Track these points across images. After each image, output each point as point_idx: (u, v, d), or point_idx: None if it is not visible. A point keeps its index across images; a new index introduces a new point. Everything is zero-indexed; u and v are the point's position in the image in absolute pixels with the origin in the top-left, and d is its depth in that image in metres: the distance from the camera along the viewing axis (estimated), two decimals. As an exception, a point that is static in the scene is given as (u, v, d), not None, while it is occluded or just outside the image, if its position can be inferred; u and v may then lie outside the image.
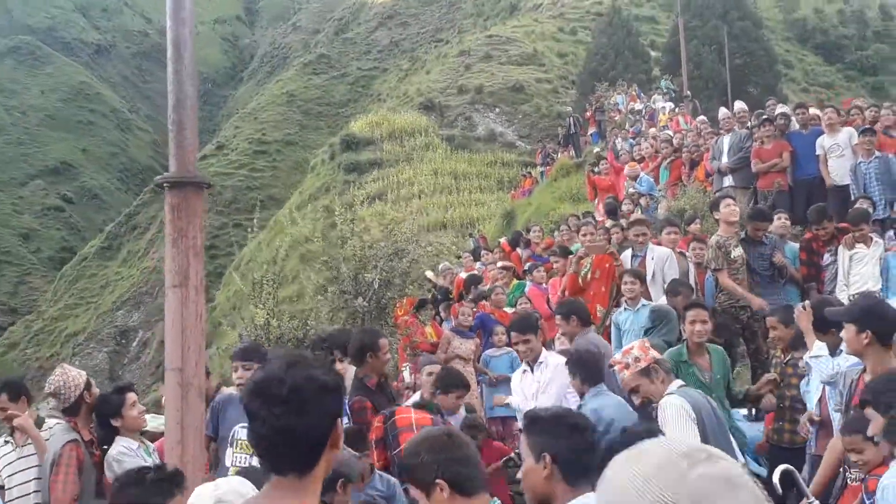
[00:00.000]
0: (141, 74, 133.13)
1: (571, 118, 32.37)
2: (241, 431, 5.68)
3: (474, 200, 38.56)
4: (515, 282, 13.12)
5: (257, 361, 5.82)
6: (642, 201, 14.59)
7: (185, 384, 4.47)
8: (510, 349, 10.58)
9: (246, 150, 74.99)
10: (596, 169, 18.90)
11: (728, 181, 12.67)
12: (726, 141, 12.88)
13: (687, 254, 9.90)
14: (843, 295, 8.74)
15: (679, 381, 5.29)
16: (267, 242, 40.39)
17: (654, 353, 5.32)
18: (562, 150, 33.10)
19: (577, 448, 3.36)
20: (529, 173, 35.62)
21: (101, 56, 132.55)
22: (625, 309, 8.67)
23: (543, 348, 7.50)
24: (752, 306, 8.67)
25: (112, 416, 6.02)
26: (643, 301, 8.60)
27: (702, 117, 17.79)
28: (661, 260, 9.53)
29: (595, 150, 27.87)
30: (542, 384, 7.15)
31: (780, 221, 9.98)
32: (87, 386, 6.38)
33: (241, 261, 43.84)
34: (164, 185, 4.57)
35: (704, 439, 4.79)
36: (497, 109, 53.97)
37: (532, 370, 7.28)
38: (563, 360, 6.50)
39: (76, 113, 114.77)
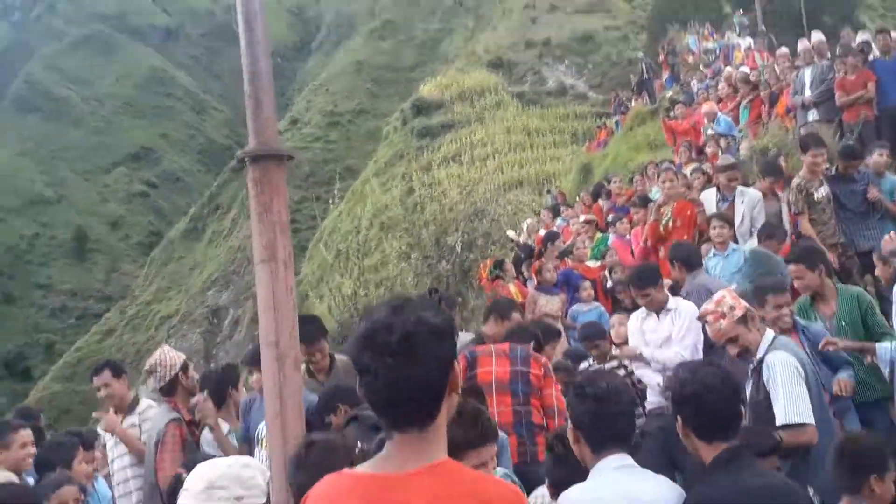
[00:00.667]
0: (210, 55, 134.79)
1: (644, 64, 31.66)
2: (264, 429, 5.71)
3: (549, 156, 38.24)
4: (599, 235, 12.98)
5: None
6: (722, 142, 14.24)
7: (281, 357, 4.51)
8: (598, 304, 10.50)
9: (319, 123, 75.53)
10: (672, 113, 18.52)
11: (812, 115, 12.29)
12: (808, 74, 12.47)
13: (781, 194, 9.58)
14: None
15: (772, 333, 5.09)
16: (347, 213, 40.70)
17: (745, 302, 5.14)
18: (636, 98, 32.50)
19: (597, 416, 3.37)
20: (604, 124, 35.13)
21: (170, 39, 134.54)
22: (714, 254, 8.48)
23: (670, 295, 7.20)
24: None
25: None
26: (732, 245, 8.40)
27: (783, 49, 17.19)
28: (751, 203, 9.24)
29: (669, 95, 27.28)
30: (676, 332, 6.86)
31: (878, 157, 9.50)
32: (185, 368, 6.57)
33: (323, 233, 44.34)
34: (245, 159, 4.58)
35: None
36: (566, 61, 53.28)
37: (658, 316, 7.00)
38: (695, 307, 6.27)
39: (151, 98, 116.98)
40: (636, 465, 3.37)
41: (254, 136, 4.68)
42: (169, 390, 6.45)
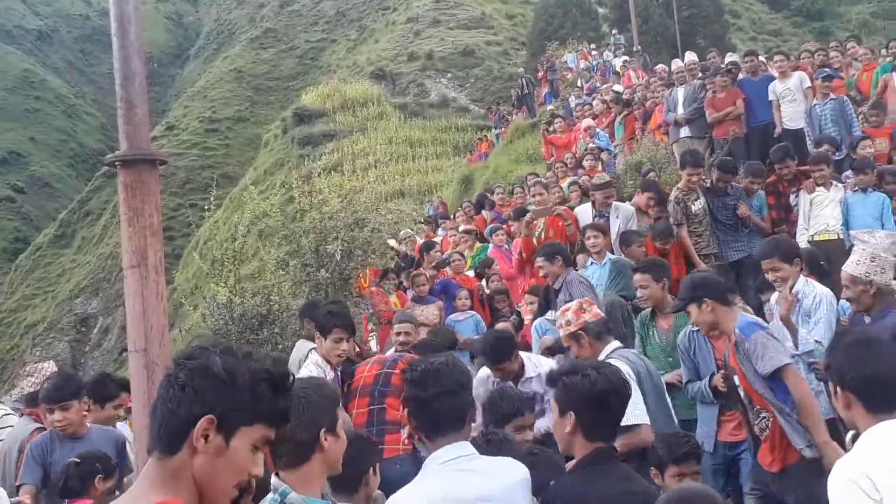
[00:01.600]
0: (85, 58, 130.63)
1: (524, 79, 32.26)
2: None
3: (431, 167, 38.53)
4: (479, 245, 13.12)
5: (71, 399, 5.69)
6: (604, 156, 14.62)
7: (151, 365, 4.40)
8: (474, 312, 10.61)
9: (197, 129, 74.01)
10: (552, 128, 18.89)
11: (684, 132, 12.72)
12: (681, 93, 12.90)
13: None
14: (804, 238, 8.85)
15: (616, 343, 5.32)
16: (224, 221, 40.00)
17: (587, 317, 5.33)
18: (516, 112, 33.06)
19: (601, 411, 3.44)
20: (485, 136, 35.59)
21: (43, 42, 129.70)
22: (591, 263, 8.70)
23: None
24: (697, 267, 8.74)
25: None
26: (609, 255, 8.62)
27: (661, 66, 17.84)
28: (626, 217, 9.55)
29: (549, 109, 27.84)
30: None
31: (748, 183, 9.94)
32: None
33: (199, 241, 43.44)
34: (116, 163, 4.45)
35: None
36: (449, 75, 53.79)
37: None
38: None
39: (22, 101, 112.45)
40: (474, 452, 3.28)
41: (125, 140, 4.56)
42: (32, 401, 6.33)
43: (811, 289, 6.19)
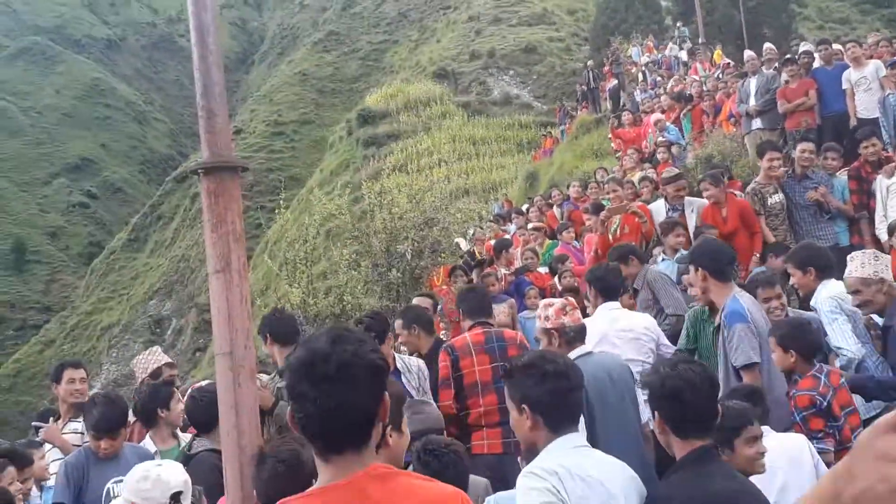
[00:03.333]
0: (153, 66, 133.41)
1: (590, 72, 31.97)
2: (115, 488, 5.46)
3: (495, 164, 38.50)
4: (549, 242, 13.08)
5: (119, 428, 5.68)
6: (673, 149, 14.47)
7: (236, 367, 4.46)
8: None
9: (263, 133, 75.06)
10: (619, 122, 18.76)
11: (756, 124, 12.52)
12: (753, 83, 12.70)
13: (737, 194, 9.76)
14: (883, 226, 8.58)
15: (584, 348, 5.22)
16: (292, 222, 40.52)
17: (566, 320, 5.27)
18: (581, 107, 32.85)
19: (555, 394, 3.36)
20: (549, 133, 35.44)
21: (111, 50, 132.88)
22: (663, 259, 8.62)
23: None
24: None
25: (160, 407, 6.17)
26: (682, 252, 8.53)
27: (726, 61, 17.61)
28: (700, 211, 9.39)
29: (615, 104, 27.59)
30: None
31: (830, 161, 9.64)
32: (155, 374, 6.63)
33: (268, 242, 44.06)
34: (199, 171, 4.54)
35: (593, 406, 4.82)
36: (511, 72, 53.69)
37: None
38: None
39: (92, 109, 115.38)
40: (588, 444, 3.42)
41: (207, 148, 4.63)
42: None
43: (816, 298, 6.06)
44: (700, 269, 5.42)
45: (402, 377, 6.20)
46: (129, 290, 65.68)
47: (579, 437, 3.41)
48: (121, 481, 5.46)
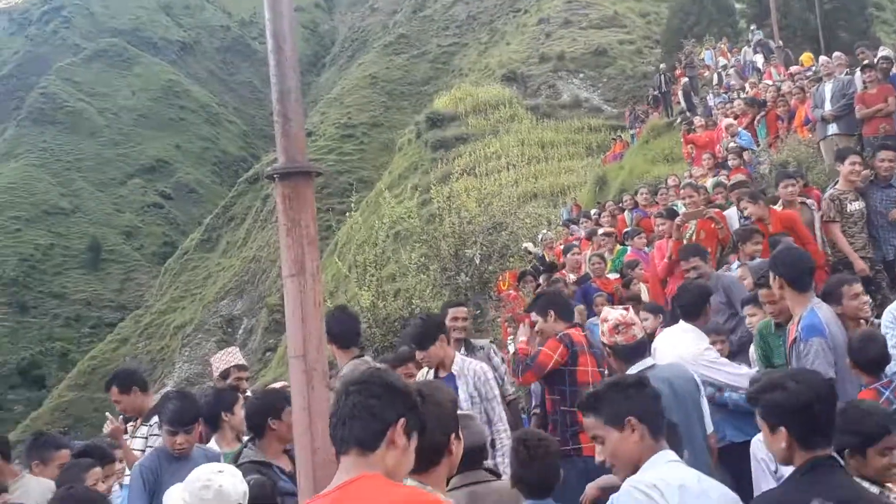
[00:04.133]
0: (226, 68, 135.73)
1: (662, 75, 31.57)
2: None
3: (564, 168, 38.30)
4: (619, 247, 12.98)
5: (194, 422, 5.66)
6: (745, 155, 14.24)
7: (309, 370, 4.53)
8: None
9: (333, 135, 75.77)
10: (691, 126, 18.54)
11: (832, 129, 12.25)
12: (828, 88, 12.44)
13: (808, 202, 9.55)
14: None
15: (646, 362, 5.15)
16: (361, 224, 40.87)
17: (619, 339, 5.18)
18: (652, 111, 32.51)
19: (657, 405, 3.43)
20: (619, 136, 35.14)
21: (186, 53, 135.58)
22: (737, 265, 8.49)
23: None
24: (855, 268, 8.26)
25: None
26: (758, 259, 8.38)
27: (795, 67, 17.23)
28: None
29: (684, 109, 27.26)
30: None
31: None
32: (224, 375, 6.73)
33: (337, 244, 44.45)
34: (274, 176, 4.62)
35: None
36: (581, 75, 53.35)
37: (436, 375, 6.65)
38: (479, 369, 6.38)
39: (167, 110, 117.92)
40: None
41: (283, 153, 4.71)
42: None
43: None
44: (778, 276, 5.30)
45: (456, 381, 6.16)
46: (202, 289, 66.86)
47: (671, 452, 3.40)
48: None
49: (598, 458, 3.44)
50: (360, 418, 2.61)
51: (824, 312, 5.38)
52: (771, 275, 5.46)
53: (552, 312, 6.54)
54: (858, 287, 5.93)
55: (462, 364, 6.24)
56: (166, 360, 59.84)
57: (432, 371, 6.29)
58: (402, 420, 2.63)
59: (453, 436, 3.16)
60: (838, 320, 5.51)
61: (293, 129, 4.72)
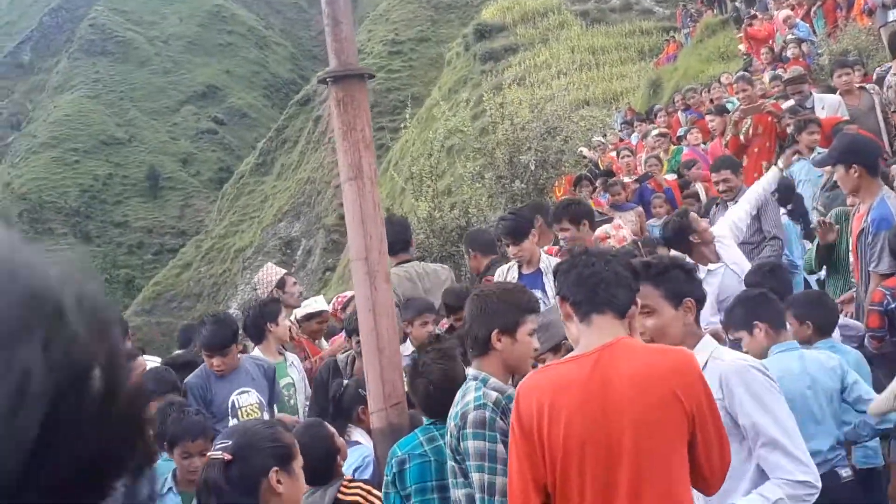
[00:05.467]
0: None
1: (715, -28, 30.61)
2: (239, 399, 5.74)
3: (616, 74, 37.60)
4: (673, 147, 12.83)
5: (230, 345, 5.79)
6: (803, 47, 13.86)
7: (372, 272, 4.61)
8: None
9: (381, 53, 75.14)
10: (749, 21, 18.05)
11: (892, 15, 11.85)
12: (888, -28, 11.99)
13: (868, 87, 9.33)
14: None
15: None
16: (413, 140, 40.71)
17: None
18: (706, 9, 31.64)
19: (703, 292, 3.60)
20: (672, 38, 34.33)
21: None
22: (798, 159, 8.35)
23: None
24: None
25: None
26: (818, 149, 8.24)
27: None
28: (831, 109, 9.04)
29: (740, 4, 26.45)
30: None
31: None
32: (281, 284, 6.80)
33: (391, 162, 44.45)
34: (328, 80, 4.63)
35: None
36: (630, -23, 51.95)
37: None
38: None
39: (215, 36, 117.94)
40: None
41: (334, 57, 4.71)
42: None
43: None
44: (855, 164, 5.23)
45: (543, 278, 6.18)
46: (259, 212, 67.53)
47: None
48: (244, 392, 5.72)
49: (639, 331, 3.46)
50: (621, 285, 2.87)
51: (894, 202, 5.32)
52: (842, 166, 5.38)
53: (586, 223, 6.70)
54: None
55: (548, 262, 6.23)
56: (228, 282, 60.85)
57: (516, 266, 6.31)
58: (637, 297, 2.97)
59: (497, 332, 3.45)
60: None
61: (343, 32, 4.72)
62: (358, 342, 5.35)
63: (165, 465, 4.62)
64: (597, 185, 12.21)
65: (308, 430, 3.98)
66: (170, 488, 4.51)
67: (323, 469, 3.81)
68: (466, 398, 3.41)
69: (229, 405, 5.67)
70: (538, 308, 3.61)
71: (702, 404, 2.73)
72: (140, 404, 0.76)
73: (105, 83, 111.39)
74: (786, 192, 7.47)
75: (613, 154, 15.12)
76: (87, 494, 0.70)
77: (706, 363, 3.24)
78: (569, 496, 2.76)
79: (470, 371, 3.52)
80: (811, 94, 9.52)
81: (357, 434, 5.05)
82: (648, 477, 2.69)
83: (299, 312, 7.16)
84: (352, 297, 6.20)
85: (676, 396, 2.69)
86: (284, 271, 7.30)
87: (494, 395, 3.36)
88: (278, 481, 2.81)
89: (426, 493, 3.80)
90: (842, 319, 5.23)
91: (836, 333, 4.94)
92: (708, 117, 11.35)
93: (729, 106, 11.08)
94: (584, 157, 13.70)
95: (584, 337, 2.88)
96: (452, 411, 3.51)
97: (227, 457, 2.76)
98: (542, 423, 2.76)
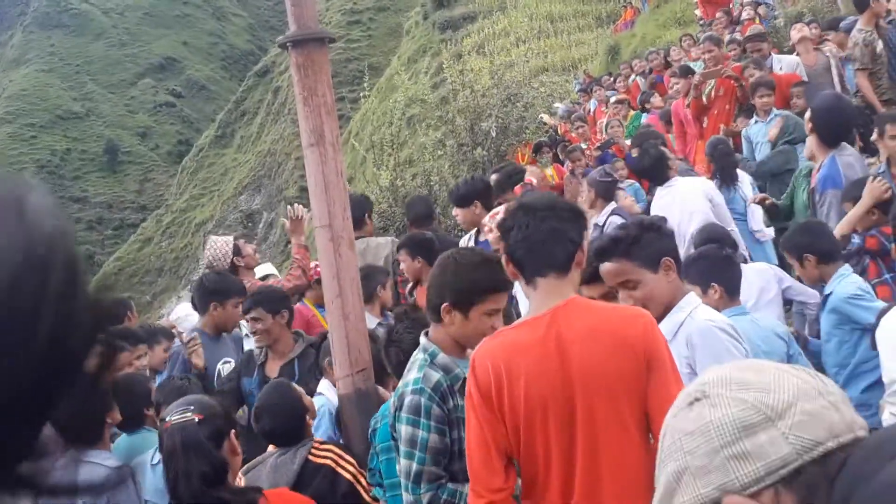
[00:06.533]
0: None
1: (670, -62, 30.58)
2: (224, 368, 5.81)
3: (574, 41, 37.58)
4: (633, 113, 12.88)
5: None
6: (760, 10, 13.95)
7: (336, 238, 4.59)
8: (633, 181, 10.49)
9: (340, 23, 74.40)
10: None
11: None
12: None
13: (824, 48, 9.40)
14: None
15: None
16: (374, 111, 40.47)
17: None
18: (662, -26, 31.63)
19: (674, 242, 3.54)
20: (629, 3, 34.33)
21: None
22: (756, 121, 8.44)
23: None
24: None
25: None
26: (774, 111, 8.32)
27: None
28: (789, 68, 9.12)
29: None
30: None
31: None
32: (236, 251, 6.74)
33: (350, 132, 44.19)
34: (287, 45, 4.60)
35: None
36: (588, -57, 51.76)
37: None
38: None
39: (172, 7, 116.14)
40: None
41: (294, 21, 4.67)
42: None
43: None
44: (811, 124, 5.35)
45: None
46: (220, 186, 67.06)
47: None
48: (227, 363, 5.77)
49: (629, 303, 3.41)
50: (558, 241, 2.81)
51: (845, 161, 5.39)
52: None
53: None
54: None
55: None
56: (190, 257, 60.46)
57: (474, 232, 6.38)
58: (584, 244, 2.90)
59: (446, 305, 3.36)
60: (862, 161, 5.55)
61: (303, -4, 4.68)
62: None
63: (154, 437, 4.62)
64: (557, 151, 12.28)
65: (276, 390, 4.00)
66: (160, 461, 4.51)
67: (292, 429, 3.83)
68: (408, 377, 3.32)
69: (216, 372, 5.73)
70: (506, 287, 3.36)
71: (655, 352, 2.70)
72: (104, 311, 0.83)
73: (61, 56, 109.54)
74: (729, 170, 7.52)
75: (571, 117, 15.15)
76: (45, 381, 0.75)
77: (684, 321, 3.26)
78: (534, 459, 2.77)
79: (422, 339, 3.38)
80: (770, 53, 9.58)
81: (323, 385, 5.04)
82: (604, 429, 2.68)
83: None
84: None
85: (629, 345, 2.68)
86: (231, 237, 7.10)
87: (436, 377, 3.21)
88: (237, 441, 2.97)
89: (388, 452, 3.81)
90: (796, 287, 5.33)
91: (779, 309, 5.08)
92: (672, 79, 11.39)
93: (692, 68, 11.12)
94: (545, 125, 13.74)
95: (533, 300, 2.85)
96: (398, 385, 3.47)
97: (199, 416, 2.83)
98: (502, 387, 2.73)
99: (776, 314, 4.99)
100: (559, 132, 14.85)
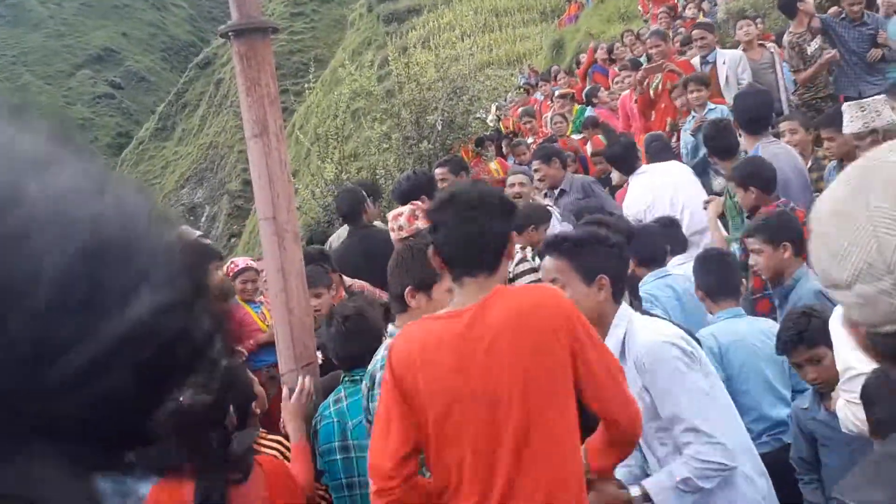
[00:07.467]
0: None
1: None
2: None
3: (519, 35, 37.78)
4: (577, 107, 12.94)
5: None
6: (704, 6, 14.10)
7: (280, 232, 4.53)
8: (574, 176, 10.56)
9: (283, 14, 73.73)
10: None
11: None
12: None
13: (768, 45, 9.49)
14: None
15: None
16: (318, 104, 40.19)
17: (420, 224, 5.19)
18: (606, -30, 31.88)
19: (624, 267, 3.49)
20: (574, -2, 34.57)
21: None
22: (692, 117, 8.50)
23: None
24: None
25: None
26: (710, 105, 8.38)
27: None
28: (733, 63, 9.17)
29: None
30: None
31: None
32: None
33: (294, 125, 43.87)
34: (229, 35, 4.51)
35: None
36: (531, -63, 51.96)
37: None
38: None
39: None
40: None
41: (236, 10, 4.58)
42: None
43: None
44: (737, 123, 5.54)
45: None
46: (161, 179, 66.07)
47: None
48: None
49: None
50: (487, 241, 2.76)
51: (770, 151, 5.56)
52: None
53: (556, 160, 7.45)
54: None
55: None
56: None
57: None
58: (513, 234, 2.90)
59: (410, 289, 3.35)
60: (793, 152, 5.73)
61: (246, -15, 4.59)
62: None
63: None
64: (502, 144, 12.29)
65: (226, 372, 3.93)
66: None
67: (238, 414, 3.76)
68: (375, 357, 3.36)
69: None
70: None
71: (577, 331, 2.65)
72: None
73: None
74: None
75: (519, 111, 15.17)
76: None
77: (623, 339, 3.19)
78: (444, 453, 2.70)
79: (389, 327, 3.48)
80: (715, 47, 9.66)
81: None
82: (537, 420, 2.62)
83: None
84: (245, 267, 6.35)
85: (551, 329, 2.64)
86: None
87: None
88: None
89: (331, 454, 3.83)
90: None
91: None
92: (623, 73, 11.43)
93: (641, 62, 11.18)
94: (484, 123, 13.76)
95: (457, 295, 2.80)
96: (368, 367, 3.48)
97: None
98: (416, 378, 2.68)
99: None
100: (501, 128, 14.87)
